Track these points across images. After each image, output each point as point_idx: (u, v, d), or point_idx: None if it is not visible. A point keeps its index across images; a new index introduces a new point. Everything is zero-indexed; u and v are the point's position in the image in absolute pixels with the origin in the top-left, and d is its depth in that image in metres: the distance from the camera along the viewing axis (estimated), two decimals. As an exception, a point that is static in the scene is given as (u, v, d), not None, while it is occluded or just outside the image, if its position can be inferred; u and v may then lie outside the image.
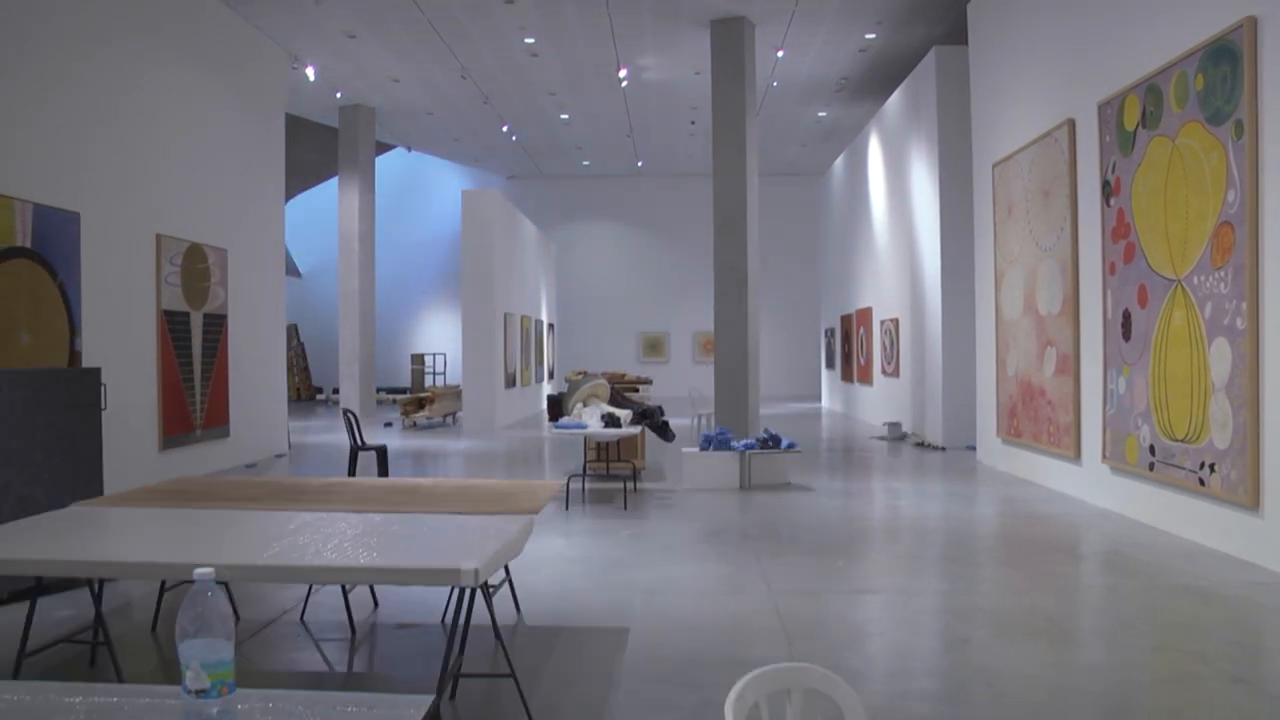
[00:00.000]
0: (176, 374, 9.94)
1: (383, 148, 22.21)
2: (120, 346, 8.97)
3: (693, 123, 20.32)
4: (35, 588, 3.89)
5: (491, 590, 4.47)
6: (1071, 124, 8.83)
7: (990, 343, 11.22)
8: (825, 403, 24.06)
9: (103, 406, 5.95)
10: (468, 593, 3.47)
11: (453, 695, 3.90)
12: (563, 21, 14.11)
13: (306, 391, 26.26)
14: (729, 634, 4.89)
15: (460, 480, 5.99)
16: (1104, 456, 8.15)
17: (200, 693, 1.60)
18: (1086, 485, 8.60)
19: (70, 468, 5.61)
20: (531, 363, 20.97)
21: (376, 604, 5.40)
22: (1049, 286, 9.42)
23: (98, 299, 8.48)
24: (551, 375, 24.31)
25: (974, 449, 12.09)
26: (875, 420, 17.15)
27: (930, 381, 13.92)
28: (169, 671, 4.25)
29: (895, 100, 16.16)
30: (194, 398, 10.30)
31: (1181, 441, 6.85)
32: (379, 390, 22.54)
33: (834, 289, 22.86)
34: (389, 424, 18.19)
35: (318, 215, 24.40)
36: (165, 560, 3.31)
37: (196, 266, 10.42)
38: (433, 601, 5.21)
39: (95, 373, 5.91)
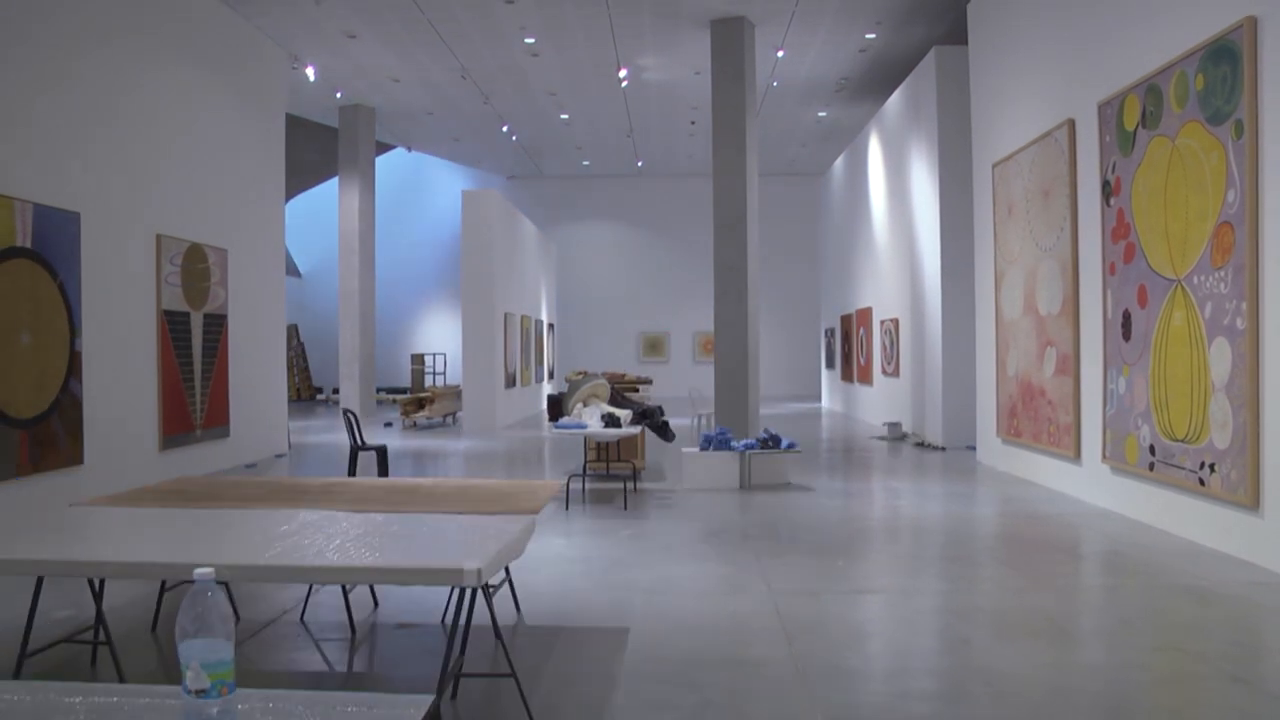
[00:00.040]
0: (176, 374, 9.94)
1: (383, 148, 22.21)
2: (120, 346, 8.97)
3: (693, 123, 20.32)
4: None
5: (491, 590, 4.47)
6: (1071, 124, 8.83)
7: (990, 343, 11.23)
8: (825, 403, 24.06)
9: None
10: (469, 593, 3.47)
11: (453, 695, 3.90)
12: (563, 21, 14.11)
13: (306, 391, 26.27)
14: (729, 634, 4.89)
15: (460, 480, 5.99)
16: (1104, 456, 8.15)
17: (200, 693, 1.60)
18: (1086, 485, 8.60)
19: None
20: (531, 363, 20.97)
21: (376, 604, 5.40)
22: (1049, 286, 9.42)
23: (98, 299, 8.48)
24: (551, 375, 24.31)
25: (974, 449, 12.09)
26: (875, 420, 17.15)
27: (930, 381, 13.92)
28: (169, 671, 4.25)
29: (895, 100, 16.16)
30: (194, 398, 10.30)
31: (1181, 441, 6.86)
32: (379, 390, 22.55)
33: (834, 289, 22.87)
34: (389, 424, 18.19)
35: (318, 215, 24.42)
36: (165, 560, 3.31)
37: (196, 266, 10.42)
38: (433, 601, 5.21)
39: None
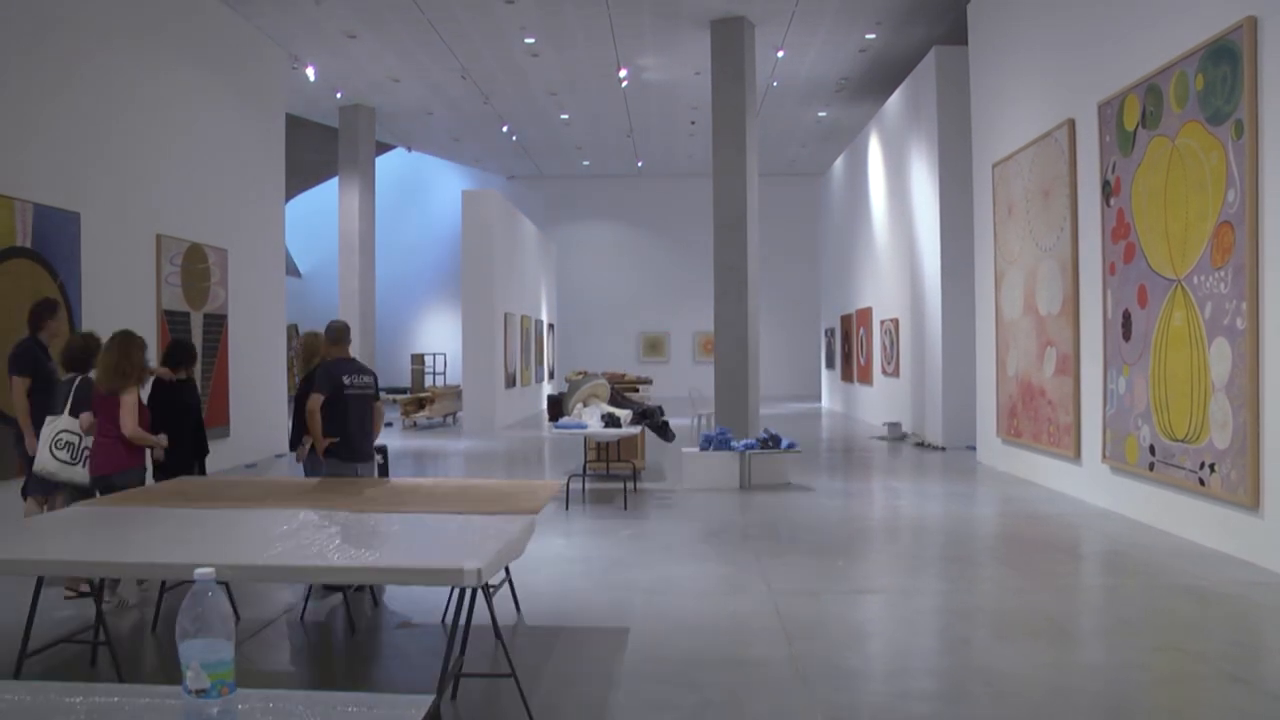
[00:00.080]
0: (176, 374, 9.94)
1: (383, 148, 22.20)
2: (120, 346, 8.96)
3: (693, 123, 20.31)
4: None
5: (491, 590, 4.47)
6: (1071, 124, 8.83)
7: (990, 343, 11.22)
8: (825, 403, 24.06)
9: None
10: (469, 593, 3.47)
11: (453, 695, 3.90)
12: (563, 21, 14.11)
13: (306, 391, 26.20)
14: (729, 634, 4.89)
15: (460, 480, 5.99)
16: (1104, 456, 8.15)
17: (200, 692, 1.60)
18: (1086, 485, 8.60)
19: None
20: (531, 363, 20.97)
21: (376, 603, 5.40)
22: (1049, 286, 9.42)
23: (98, 299, 8.48)
24: (551, 375, 24.31)
25: (974, 449, 12.09)
26: (875, 420, 17.15)
27: (930, 381, 13.92)
28: (169, 671, 4.25)
29: (895, 100, 16.16)
30: (194, 398, 10.30)
31: (1181, 441, 6.85)
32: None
33: (834, 289, 22.87)
34: (389, 424, 18.19)
35: (318, 215, 24.39)
36: (165, 560, 3.31)
37: (197, 266, 10.42)
38: (433, 601, 5.21)
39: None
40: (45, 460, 5.31)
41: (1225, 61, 6.23)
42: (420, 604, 5.32)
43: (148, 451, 5.44)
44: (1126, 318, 7.68)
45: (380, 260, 22.02)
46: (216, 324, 10.83)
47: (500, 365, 17.43)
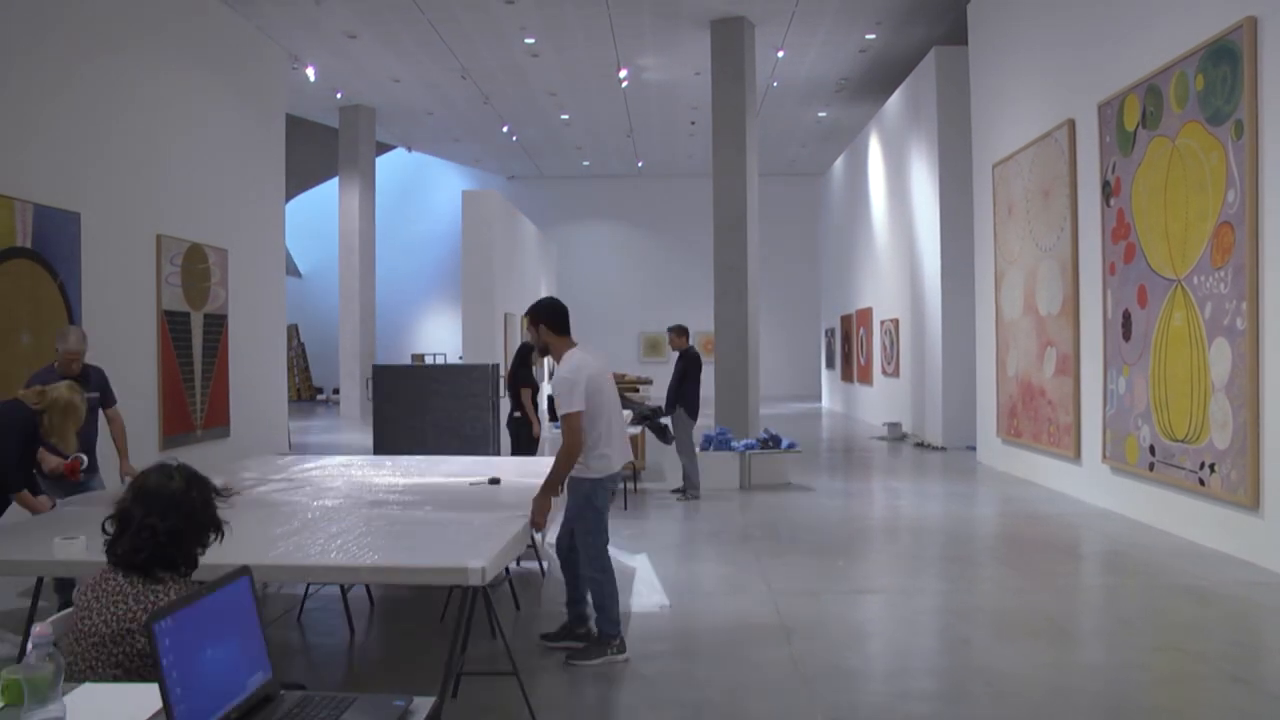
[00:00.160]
0: (177, 374, 9.94)
1: (383, 148, 22.21)
2: (120, 346, 8.97)
3: (693, 123, 20.31)
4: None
5: (491, 589, 4.47)
6: (1071, 124, 8.83)
7: (990, 343, 11.23)
8: (825, 403, 24.05)
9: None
10: (470, 591, 3.47)
11: (454, 694, 3.90)
12: (563, 21, 14.11)
13: (307, 392, 26.26)
14: (729, 634, 4.89)
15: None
16: (1104, 456, 8.15)
17: None
18: (1086, 485, 8.60)
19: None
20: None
21: (373, 603, 5.40)
22: (1049, 287, 9.42)
23: (98, 299, 8.47)
24: (551, 375, 24.28)
25: (974, 449, 12.09)
26: (875, 420, 17.14)
27: (930, 382, 13.92)
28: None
29: (895, 101, 16.16)
30: (194, 398, 10.30)
31: (1181, 442, 6.86)
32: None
33: (834, 289, 22.86)
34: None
35: (318, 215, 24.39)
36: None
37: (197, 267, 10.42)
38: (432, 601, 5.21)
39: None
40: None
41: (1225, 62, 6.23)
42: (420, 604, 5.32)
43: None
44: (1126, 318, 7.69)
45: (380, 260, 22.03)
46: (216, 324, 10.83)
47: (501, 365, 17.42)
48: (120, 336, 9.03)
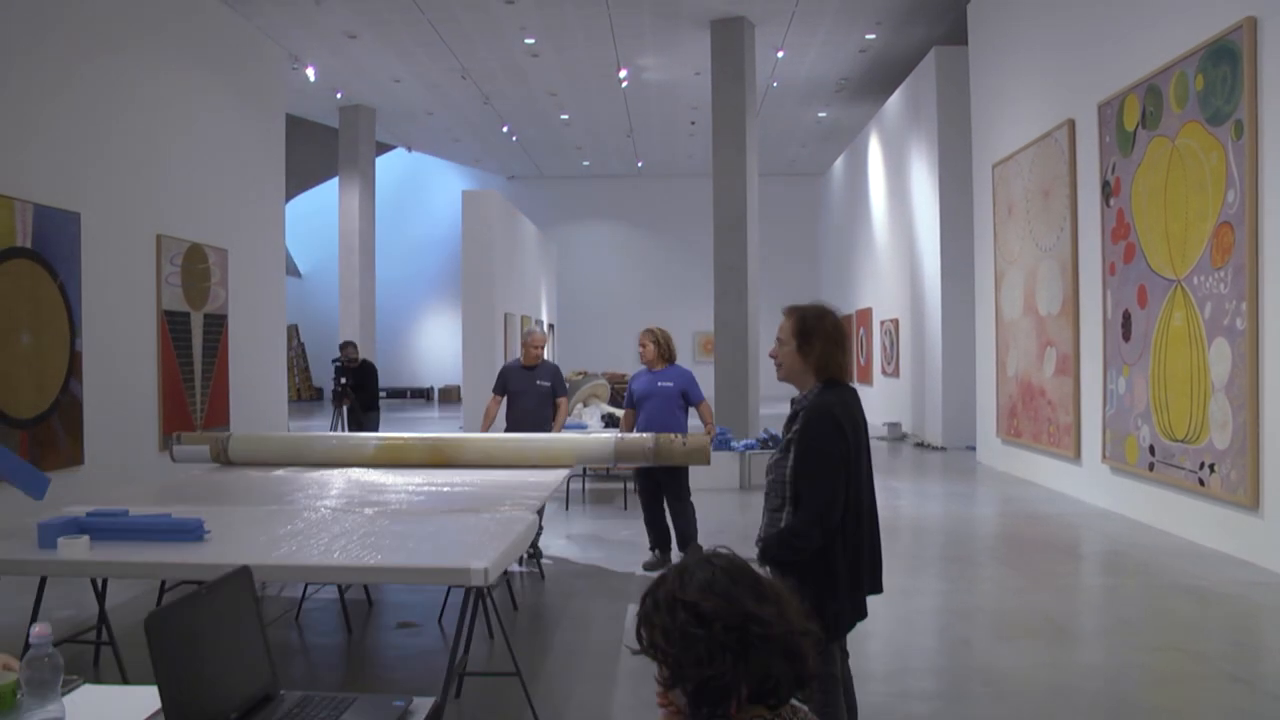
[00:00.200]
0: (177, 374, 9.94)
1: (383, 148, 22.20)
2: (120, 346, 8.97)
3: (693, 123, 20.31)
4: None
5: (490, 589, 4.47)
6: (1071, 124, 8.83)
7: (990, 343, 11.23)
8: (825, 403, 24.03)
9: None
10: (473, 592, 3.47)
11: (458, 694, 3.90)
12: (563, 21, 14.11)
13: (307, 391, 26.26)
14: (729, 634, 4.89)
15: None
16: (1104, 457, 8.15)
17: None
18: (1086, 485, 8.60)
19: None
20: (531, 363, 20.93)
21: (371, 604, 5.40)
22: (1049, 287, 9.42)
23: (98, 299, 8.47)
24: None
25: (974, 449, 12.09)
26: (875, 420, 17.13)
27: (930, 382, 13.92)
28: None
29: (895, 101, 16.16)
30: (194, 398, 10.30)
31: (1181, 442, 6.86)
32: (379, 390, 22.53)
33: (834, 289, 22.87)
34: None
35: (318, 215, 24.40)
36: (166, 560, 3.31)
37: (197, 267, 10.42)
38: (432, 601, 5.21)
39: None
40: None
41: (1225, 62, 6.23)
42: (419, 604, 5.32)
43: None
44: (1126, 318, 7.69)
45: (380, 260, 22.03)
46: (216, 324, 10.83)
47: (500, 365, 17.42)
48: (120, 336, 9.03)
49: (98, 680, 3.32)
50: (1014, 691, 4.02)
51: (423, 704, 1.97)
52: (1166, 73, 6.97)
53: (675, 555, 6.21)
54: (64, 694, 1.79)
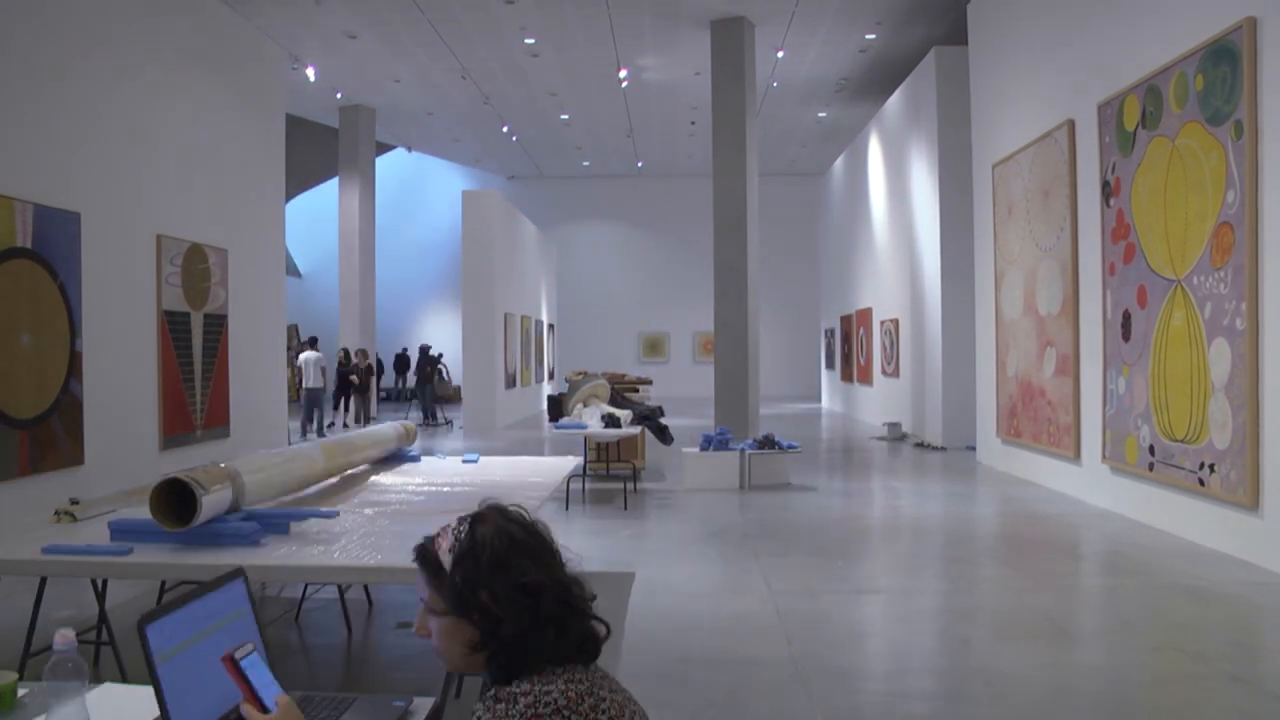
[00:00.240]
0: (177, 374, 9.94)
1: (383, 148, 22.21)
2: (120, 346, 8.97)
3: (693, 123, 20.32)
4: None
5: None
6: (1071, 124, 8.83)
7: (990, 343, 11.23)
8: (825, 403, 24.06)
9: None
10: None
11: (458, 694, 3.90)
12: (563, 21, 14.11)
13: (306, 391, 26.24)
14: (729, 634, 4.89)
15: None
16: (1104, 457, 8.15)
17: None
18: (1086, 485, 8.60)
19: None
20: (532, 363, 20.97)
21: (371, 604, 5.40)
22: (1049, 287, 9.42)
23: (98, 299, 8.47)
24: (551, 375, 24.31)
25: (974, 449, 12.09)
26: (875, 420, 17.15)
27: (930, 382, 13.92)
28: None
29: (895, 101, 16.16)
30: (194, 398, 10.30)
31: (1181, 442, 6.86)
32: (379, 390, 22.54)
33: (834, 289, 22.87)
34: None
35: (318, 215, 24.40)
36: (166, 560, 3.31)
37: (197, 267, 10.42)
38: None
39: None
40: None
41: (1225, 62, 6.24)
42: (416, 604, 5.32)
43: None
44: (1126, 318, 7.69)
45: (380, 260, 22.03)
46: (216, 324, 10.83)
47: (500, 365, 17.43)
48: (120, 336, 9.03)
49: (98, 680, 3.32)
50: (1014, 691, 4.02)
51: (423, 704, 1.97)
52: (1166, 73, 6.98)
53: None
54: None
